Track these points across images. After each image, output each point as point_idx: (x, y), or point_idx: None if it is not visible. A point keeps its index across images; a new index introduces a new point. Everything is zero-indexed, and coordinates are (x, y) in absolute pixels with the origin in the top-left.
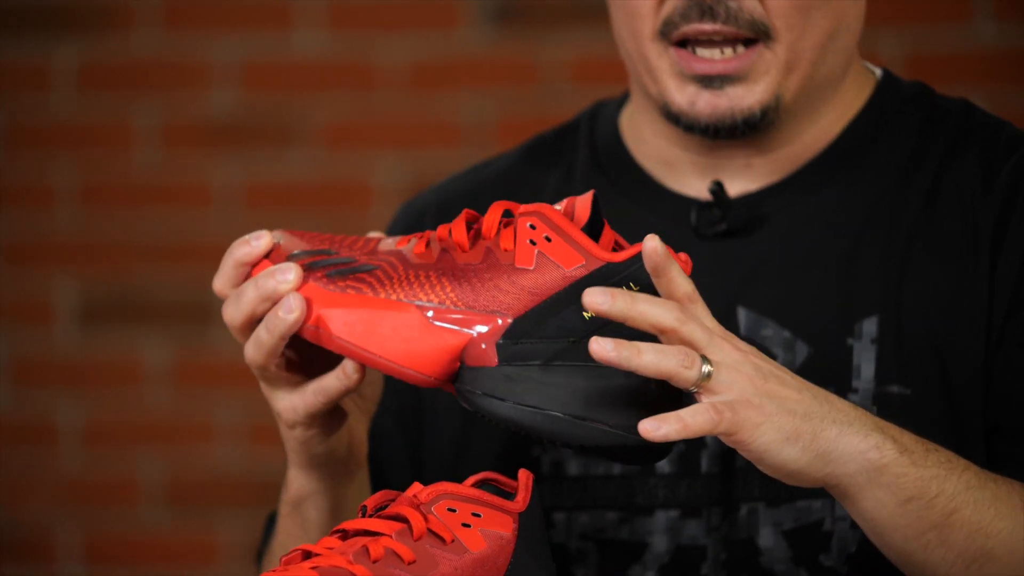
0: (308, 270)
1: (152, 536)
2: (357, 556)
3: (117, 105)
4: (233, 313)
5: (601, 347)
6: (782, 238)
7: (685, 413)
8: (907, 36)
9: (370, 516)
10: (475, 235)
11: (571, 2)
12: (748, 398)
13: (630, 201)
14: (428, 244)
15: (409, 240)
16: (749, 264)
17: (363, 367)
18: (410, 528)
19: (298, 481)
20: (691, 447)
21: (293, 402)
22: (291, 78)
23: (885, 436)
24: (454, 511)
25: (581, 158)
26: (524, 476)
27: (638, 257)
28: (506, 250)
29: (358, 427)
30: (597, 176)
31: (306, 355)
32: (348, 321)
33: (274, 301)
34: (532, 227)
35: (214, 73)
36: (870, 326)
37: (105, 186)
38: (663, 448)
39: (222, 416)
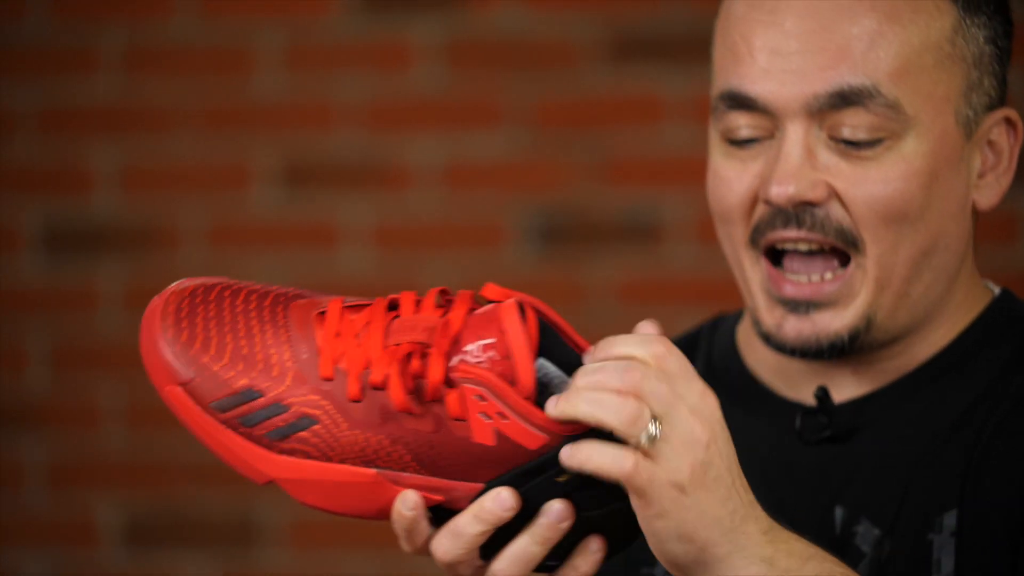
0: (241, 425)
1: None
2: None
3: None
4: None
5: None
6: (878, 440)
7: (605, 449)
8: None
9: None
10: (417, 392)
11: (615, 223)
12: (677, 481)
13: (741, 409)
14: (362, 389)
15: (334, 363)
16: (847, 466)
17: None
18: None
19: None
20: None
21: None
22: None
23: (772, 567)
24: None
25: (699, 365)
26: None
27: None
28: (456, 419)
29: None
30: (712, 384)
31: None
32: (310, 489)
33: (409, 529)
34: (481, 399)
35: None
36: (950, 519)
37: (151, 406)
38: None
39: None
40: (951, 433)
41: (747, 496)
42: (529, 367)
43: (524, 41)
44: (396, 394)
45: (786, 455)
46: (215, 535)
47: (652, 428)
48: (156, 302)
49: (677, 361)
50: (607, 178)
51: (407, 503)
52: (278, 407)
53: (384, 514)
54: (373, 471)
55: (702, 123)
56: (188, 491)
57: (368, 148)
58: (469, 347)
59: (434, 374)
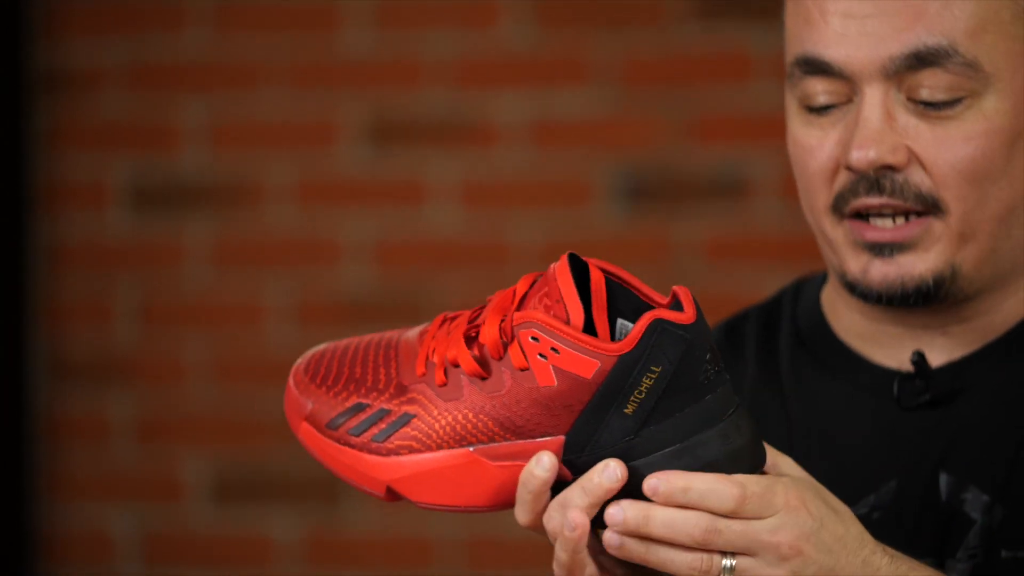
0: (352, 437)
1: None
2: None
3: (251, 281)
4: (524, 518)
5: (612, 517)
6: (982, 405)
7: (674, 554)
8: None
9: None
10: (481, 355)
11: (702, 181)
12: None
13: (832, 376)
14: (445, 372)
15: (426, 358)
16: (950, 431)
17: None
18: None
19: None
20: None
21: None
22: (424, 254)
23: None
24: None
25: (784, 334)
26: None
27: (647, 335)
28: (521, 369)
29: None
30: (800, 351)
31: None
32: (422, 486)
33: (539, 492)
34: (535, 340)
35: (347, 251)
36: None
37: (237, 362)
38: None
39: None
40: None
41: (863, 571)
42: (576, 302)
43: None
44: (465, 362)
45: (885, 422)
46: (301, 492)
47: (726, 562)
48: (299, 362)
49: (751, 494)
50: (695, 136)
51: (542, 462)
52: (382, 412)
53: (497, 499)
54: (467, 449)
55: None
56: (275, 448)
57: (455, 105)
58: (531, 306)
59: (489, 333)
